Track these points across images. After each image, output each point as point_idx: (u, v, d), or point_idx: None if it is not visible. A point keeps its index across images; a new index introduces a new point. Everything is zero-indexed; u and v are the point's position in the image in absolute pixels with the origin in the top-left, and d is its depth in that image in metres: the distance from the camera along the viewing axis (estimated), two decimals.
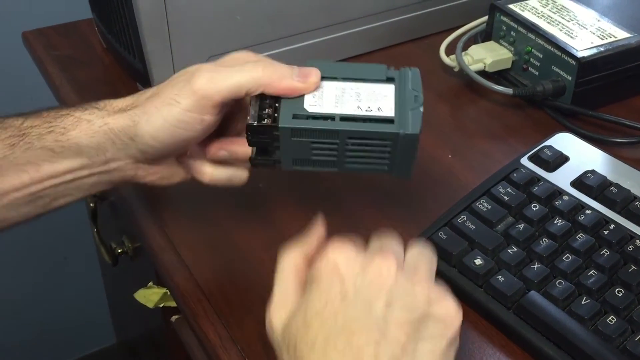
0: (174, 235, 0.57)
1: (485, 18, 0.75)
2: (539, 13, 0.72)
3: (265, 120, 0.47)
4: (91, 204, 0.79)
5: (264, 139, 0.48)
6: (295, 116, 0.47)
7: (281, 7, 0.70)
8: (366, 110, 0.48)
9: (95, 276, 1.11)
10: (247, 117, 0.48)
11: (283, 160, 0.50)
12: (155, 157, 0.50)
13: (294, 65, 0.49)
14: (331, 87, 0.49)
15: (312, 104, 0.48)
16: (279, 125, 0.47)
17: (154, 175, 0.52)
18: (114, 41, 0.73)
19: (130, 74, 0.73)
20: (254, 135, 0.48)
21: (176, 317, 0.62)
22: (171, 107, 0.47)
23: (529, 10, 0.73)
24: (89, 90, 0.73)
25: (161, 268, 0.56)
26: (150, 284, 0.64)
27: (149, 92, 0.49)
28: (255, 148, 0.50)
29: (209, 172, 0.52)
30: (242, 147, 0.50)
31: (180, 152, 0.51)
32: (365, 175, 0.62)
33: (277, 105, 0.48)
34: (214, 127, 0.49)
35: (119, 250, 0.74)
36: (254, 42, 0.70)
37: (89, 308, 1.26)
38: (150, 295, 0.64)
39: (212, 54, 0.68)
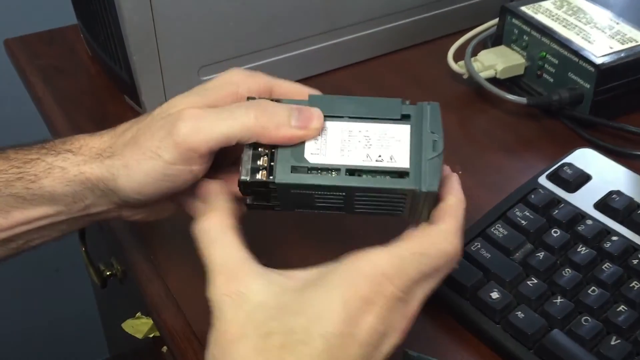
0: (162, 265, 0.53)
1: (496, 21, 0.71)
2: (553, 15, 0.68)
3: (260, 173, 0.42)
4: None
5: (260, 191, 0.43)
6: (294, 169, 0.42)
7: (277, 13, 0.65)
8: (376, 160, 0.41)
9: (88, 289, 1.07)
10: (240, 170, 0.42)
11: (283, 205, 0.44)
12: (141, 205, 0.46)
13: (292, 105, 0.42)
14: (336, 130, 0.42)
15: (314, 152, 0.42)
16: (276, 182, 0.41)
17: (140, 214, 0.48)
18: (99, 50, 0.69)
19: (117, 85, 0.68)
20: (248, 190, 0.43)
21: (166, 348, 0.58)
22: (153, 161, 0.42)
23: (542, 13, 0.68)
24: (73, 103, 0.68)
25: (148, 303, 0.51)
26: (139, 314, 0.59)
27: (128, 134, 0.44)
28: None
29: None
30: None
31: (171, 195, 0.45)
32: None
33: (273, 152, 0.42)
34: (206, 170, 0.44)
35: (108, 273, 0.69)
36: (247, 51, 0.66)
37: (82, 321, 1.22)
38: (138, 326, 0.59)
39: (203, 64, 0.64)
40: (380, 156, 0.42)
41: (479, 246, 0.50)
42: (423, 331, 0.48)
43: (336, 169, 0.41)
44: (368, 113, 0.43)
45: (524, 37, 0.68)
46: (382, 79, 0.72)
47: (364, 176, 0.41)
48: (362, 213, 0.44)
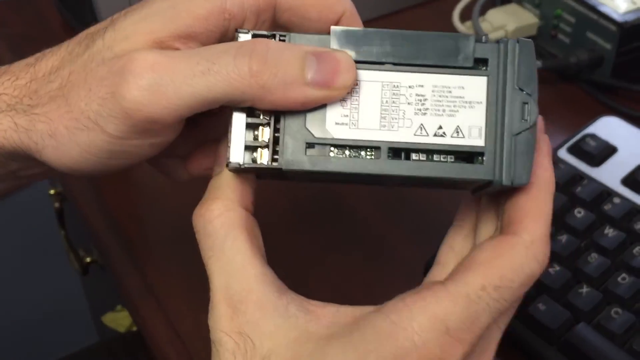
0: (140, 255, 0.48)
1: None
2: None
3: (258, 153, 0.29)
4: (56, 204, 0.69)
5: (261, 176, 0.32)
6: (309, 146, 0.29)
7: None
8: (435, 135, 0.29)
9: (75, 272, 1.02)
10: (227, 147, 0.29)
11: (298, 178, 0.32)
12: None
13: (308, 48, 0.29)
14: (374, 85, 0.29)
15: (340, 122, 0.29)
16: (284, 168, 0.29)
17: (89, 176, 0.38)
18: (71, 17, 0.63)
19: None
20: (243, 174, 0.31)
21: None
22: (91, 133, 0.29)
23: None
24: None
25: (125, 298, 0.46)
26: (119, 307, 0.54)
27: (55, 80, 0.30)
28: None
29: (186, 176, 0.37)
30: None
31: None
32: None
33: (279, 119, 0.29)
34: (177, 135, 0.32)
35: (88, 260, 0.64)
36: None
37: (69, 305, 1.18)
38: (120, 320, 0.55)
39: None
40: (440, 127, 0.29)
41: None
42: None
43: (374, 148, 0.29)
44: (422, 57, 0.29)
45: None
46: None
47: (414, 157, 0.29)
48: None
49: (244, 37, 0.30)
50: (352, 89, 0.29)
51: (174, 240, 0.48)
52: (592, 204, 0.45)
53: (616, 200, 0.45)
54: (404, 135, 0.29)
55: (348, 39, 0.30)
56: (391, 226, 0.49)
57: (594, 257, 0.43)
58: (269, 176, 0.32)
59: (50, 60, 0.31)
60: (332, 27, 0.30)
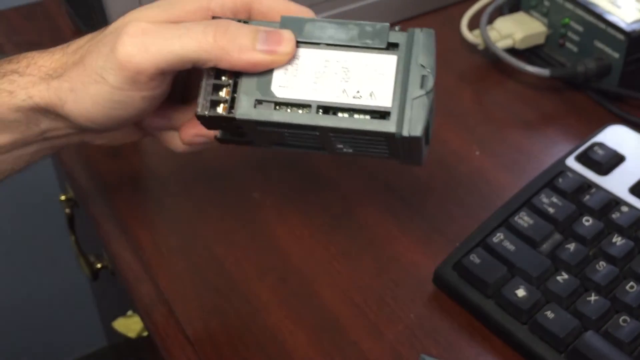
0: (151, 260, 0.48)
1: None
2: None
3: (221, 107, 0.37)
4: (67, 210, 0.70)
5: (225, 126, 0.40)
6: (258, 102, 0.37)
7: None
8: (354, 97, 0.37)
9: (84, 276, 1.02)
10: (197, 101, 0.38)
11: (256, 141, 0.41)
12: (99, 131, 0.42)
13: (260, 27, 0.38)
14: (311, 58, 0.37)
15: (283, 85, 0.37)
16: (237, 117, 0.37)
17: (104, 139, 0.45)
18: (82, 25, 0.63)
19: None
20: (210, 125, 0.39)
21: None
22: (98, 85, 0.37)
23: None
24: None
25: (137, 304, 0.46)
26: (130, 312, 0.55)
27: (79, 52, 0.39)
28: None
29: (182, 146, 0.44)
30: None
31: (130, 123, 0.42)
32: (377, 178, 0.53)
33: (237, 82, 0.38)
34: (164, 96, 0.40)
35: (99, 265, 0.65)
36: None
37: (79, 308, 1.18)
38: (131, 325, 0.55)
39: None
40: (358, 92, 0.37)
41: (502, 237, 0.45)
42: (441, 333, 0.43)
43: (306, 105, 0.37)
44: (349, 40, 0.38)
45: (545, 2, 0.62)
46: None
47: (339, 114, 0.37)
48: (345, 154, 0.40)
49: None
50: (293, 60, 0.37)
51: (185, 246, 0.49)
52: (600, 213, 0.46)
53: (624, 208, 0.45)
54: (330, 96, 0.37)
55: (293, 24, 0.38)
56: (400, 232, 0.49)
57: (602, 265, 0.43)
58: (229, 132, 0.40)
59: (77, 42, 0.40)
60: (283, 15, 0.38)
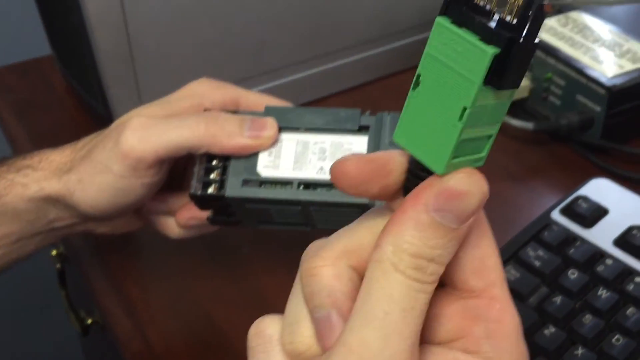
0: (142, 316, 0.48)
1: None
2: (558, 34, 0.64)
3: (212, 187, 0.41)
4: (57, 265, 0.70)
5: (215, 206, 0.43)
6: (245, 182, 0.41)
7: (265, 38, 0.61)
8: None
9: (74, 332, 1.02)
10: (191, 183, 0.42)
11: (245, 220, 0.44)
12: (102, 219, 0.45)
13: (246, 116, 0.42)
14: (291, 142, 0.42)
15: (267, 165, 0.41)
16: (226, 195, 0.41)
17: (105, 227, 0.47)
18: (75, 83, 0.64)
19: (94, 119, 0.64)
20: (202, 204, 0.43)
21: None
22: (104, 174, 0.41)
23: (546, 31, 0.64)
24: (48, 139, 0.63)
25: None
26: None
27: (85, 148, 0.43)
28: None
29: (177, 230, 0.46)
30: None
31: (131, 210, 0.45)
32: None
33: (226, 165, 0.42)
34: (161, 183, 0.44)
35: (89, 321, 0.65)
36: (234, 80, 0.61)
37: None
38: None
39: None
40: None
41: None
42: None
43: (289, 182, 0.41)
44: (325, 124, 0.42)
45: None
46: (378, 104, 0.67)
47: (318, 189, 0.40)
48: (326, 228, 0.41)
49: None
50: (276, 144, 0.41)
51: (176, 302, 0.49)
52: (586, 265, 0.46)
53: (609, 261, 0.46)
54: (309, 173, 0.41)
55: (275, 112, 0.43)
56: None
57: (588, 318, 0.43)
58: (219, 212, 0.43)
59: (85, 140, 0.44)
60: (266, 105, 0.43)
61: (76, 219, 0.44)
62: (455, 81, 0.23)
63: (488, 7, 0.22)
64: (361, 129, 0.42)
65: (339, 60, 0.67)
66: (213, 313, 0.48)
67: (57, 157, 0.44)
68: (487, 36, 0.22)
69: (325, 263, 0.25)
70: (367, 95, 0.69)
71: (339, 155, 0.39)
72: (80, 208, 0.43)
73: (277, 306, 0.48)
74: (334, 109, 0.43)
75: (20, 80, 0.71)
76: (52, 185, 0.42)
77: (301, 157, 0.41)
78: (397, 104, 0.67)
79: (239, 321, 0.47)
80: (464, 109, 0.23)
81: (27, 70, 0.72)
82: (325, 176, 0.40)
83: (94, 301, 0.52)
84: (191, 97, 0.44)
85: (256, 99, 0.45)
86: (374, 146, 0.41)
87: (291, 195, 0.40)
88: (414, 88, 0.24)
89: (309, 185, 0.41)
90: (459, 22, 0.23)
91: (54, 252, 0.69)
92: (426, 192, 0.24)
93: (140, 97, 0.57)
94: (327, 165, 0.41)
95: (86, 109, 0.65)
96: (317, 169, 0.41)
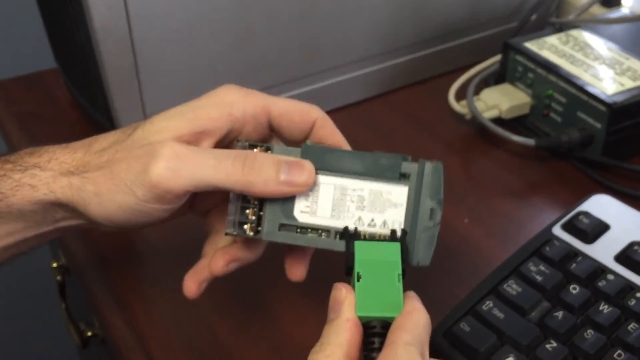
0: (144, 329, 0.48)
1: (498, 58, 0.67)
2: (559, 51, 0.64)
3: (248, 226, 0.40)
4: (58, 277, 0.70)
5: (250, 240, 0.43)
6: (282, 227, 0.40)
7: (267, 53, 0.62)
8: (369, 225, 0.40)
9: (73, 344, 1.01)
10: (226, 220, 0.40)
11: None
12: (114, 229, 0.43)
13: (282, 157, 0.40)
14: (329, 187, 0.41)
15: (304, 210, 0.40)
16: (263, 239, 0.41)
17: (115, 229, 0.45)
18: (79, 96, 0.65)
19: (98, 132, 0.64)
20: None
21: None
22: (126, 196, 0.39)
23: (547, 49, 0.64)
24: None
25: None
26: None
27: (104, 156, 0.41)
28: None
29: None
30: (252, 249, 0.44)
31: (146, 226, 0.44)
32: None
33: (262, 204, 0.41)
34: (186, 206, 0.43)
35: (89, 333, 0.65)
36: None
37: None
38: None
39: None
40: (373, 220, 0.40)
41: (491, 305, 0.45)
42: None
43: (326, 230, 0.40)
44: (364, 170, 0.41)
45: (529, 74, 0.64)
46: (380, 120, 0.68)
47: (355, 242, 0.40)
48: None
49: (242, 145, 0.41)
50: (313, 187, 0.40)
51: (178, 315, 0.49)
52: (587, 281, 0.46)
53: (610, 277, 0.46)
54: (347, 223, 0.40)
55: (313, 152, 0.41)
56: None
57: (590, 333, 0.43)
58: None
59: (102, 142, 0.42)
60: (303, 144, 0.41)
61: (84, 222, 0.43)
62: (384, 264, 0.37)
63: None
64: (402, 177, 0.41)
65: (340, 76, 0.67)
66: (216, 327, 0.48)
67: (67, 157, 0.41)
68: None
69: None
70: (369, 110, 0.69)
71: (377, 205, 0.40)
72: (92, 218, 0.41)
73: (279, 317, 0.48)
74: (375, 153, 0.41)
75: (24, 92, 0.71)
76: (64, 190, 0.40)
77: (339, 205, 0.41)
78: (399, 119, 0.68)
79: (241, 336, 0.48)
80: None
81: (32, 83, 0.72)
82: (363, 227, 0.40)
83: (96, 314, 0.52)
84: (220, 106, 0.42)
85: (286, 106, 0.43)
86: (414, 198, 0.41)
87: (328, 245, 0.40)
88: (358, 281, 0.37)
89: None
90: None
91: (54, 265, 0.70)
92: None
93: (145, 110, 0.58)
94: (366, 215, 0.40)
95: (90, 122, 0.65)
96: (355, 218, 0.40)
